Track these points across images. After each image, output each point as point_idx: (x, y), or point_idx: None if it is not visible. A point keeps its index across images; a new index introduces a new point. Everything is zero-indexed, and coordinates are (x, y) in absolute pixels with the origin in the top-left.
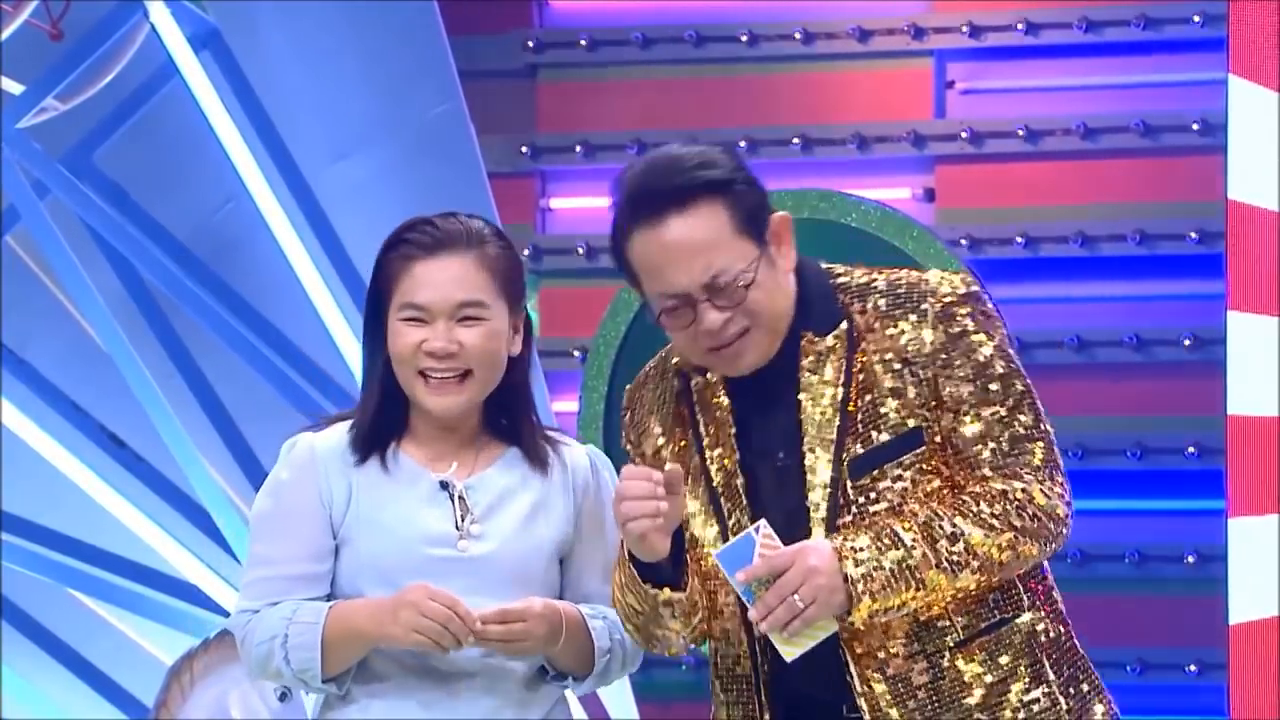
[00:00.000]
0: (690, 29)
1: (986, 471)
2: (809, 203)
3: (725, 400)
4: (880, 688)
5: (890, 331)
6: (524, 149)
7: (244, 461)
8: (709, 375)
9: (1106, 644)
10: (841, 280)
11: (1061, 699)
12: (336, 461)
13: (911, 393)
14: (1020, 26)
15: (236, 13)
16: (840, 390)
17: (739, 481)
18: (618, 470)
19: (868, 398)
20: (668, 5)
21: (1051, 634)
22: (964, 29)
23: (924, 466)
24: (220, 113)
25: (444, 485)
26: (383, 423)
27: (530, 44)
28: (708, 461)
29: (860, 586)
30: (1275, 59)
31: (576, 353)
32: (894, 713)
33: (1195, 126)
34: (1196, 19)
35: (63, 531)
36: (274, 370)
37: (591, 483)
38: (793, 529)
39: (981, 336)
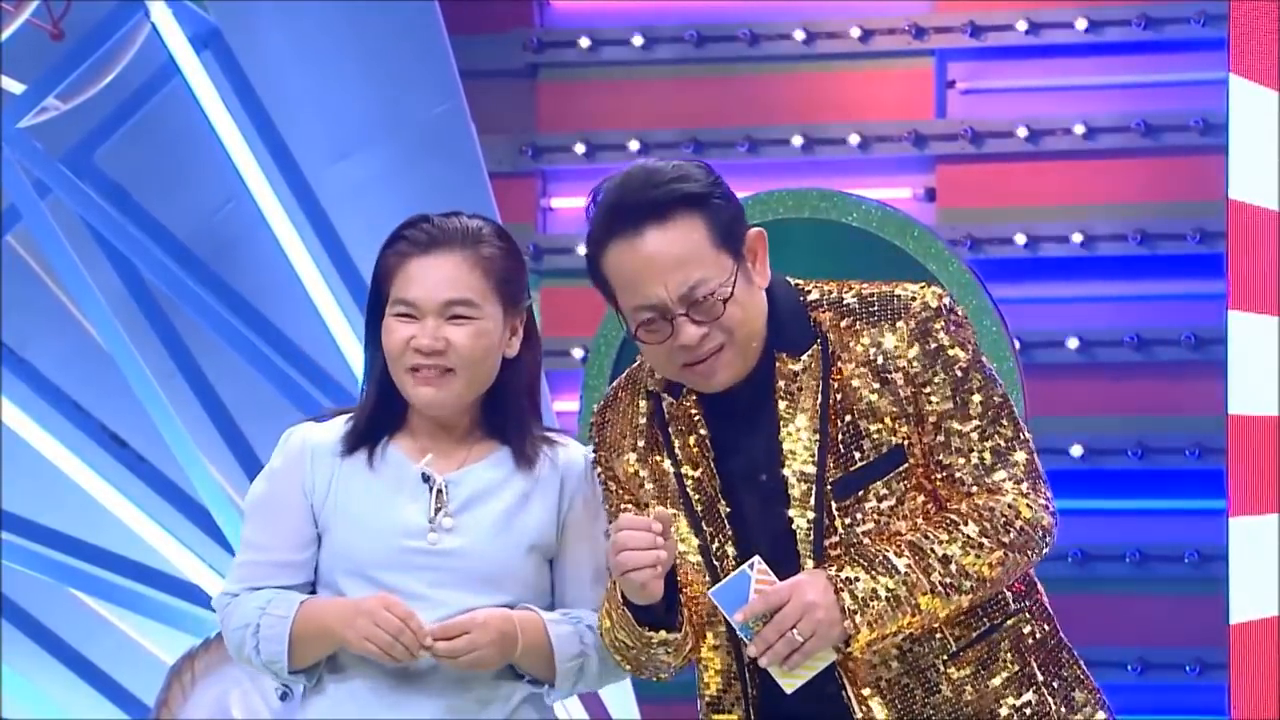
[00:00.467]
0: (691, 29)
1: (970, 486)
2: (810, 202)
3: (701, 421)
4: (878, 705)
5: (865, 344)
6: (525, 149)
7: (245, 461)
8: (682, 396)
9: (1107, 643)
10: (813, 298)
11: (1050, 700)
12: (324, 453)
13: (893, 410)
14: (1021, 26)
15: (237, 13)
16: (818, 412)
17: (721, 506)
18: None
19: (847, 418)
20: (669, 5)
21: (1038, 635)
22: (965, 29)
23: (907, 483)
24: (221, 112)
25: (425, 478)
26: (379, 417)
27: (531, 44)
28: (685, 483)
29: (859, 618)
30: (1276, 58)
31: (577, 352)
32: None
33: (1196, 126)
34: (1197, 19)
35: (64, 531)
36: (275, 370)
37: (585, 485)
38: (778, 551)
39: (957, 350)
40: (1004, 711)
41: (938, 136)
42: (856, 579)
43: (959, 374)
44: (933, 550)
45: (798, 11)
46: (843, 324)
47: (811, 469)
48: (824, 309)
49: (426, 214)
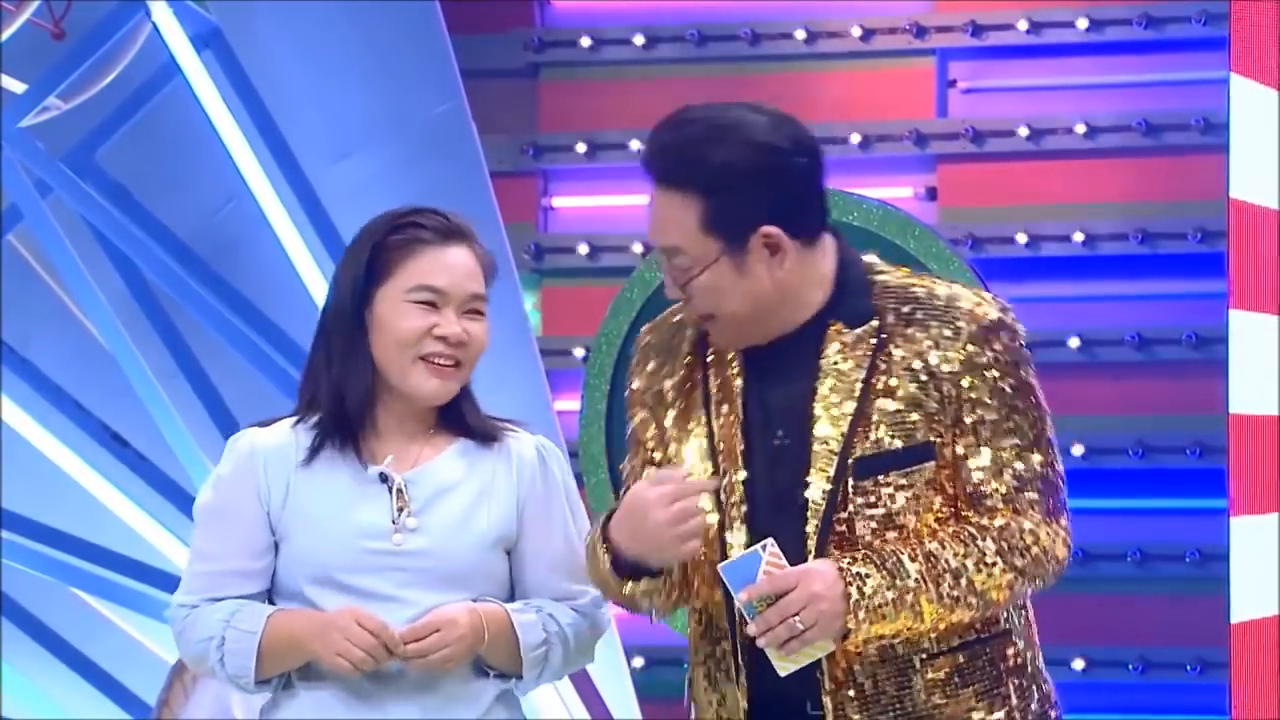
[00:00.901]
0: (692, 28)
1: (996, 503)
2: None
3: (737, 360)
4: (849, 692)
5: (922, 340)
6: (526, 148)
7: None
8: None
9: (1108, 643)
10: (881, 278)
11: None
12: (277, 457)
13: (933, 407)
14: (1022, 26)
15: (238, 12)
16: (860, 386)
17: (740, 448)
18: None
19: (886, 401)
20: (670, 5)
21: (1020, 659)
22: (966, 28)
23: (927, 481)
24: (222, 112)
25: (383, 478)
26: (345, 416)
27: (532, 43)
28: (712, 417)
29: (861, 615)
30: (1277, 58)
31: (578, 352)
32: (857, 718)
33: (1197, 126)
34: (1198, 18)
35: (65, 530)
36: (276, 369)
37: (538, 475)
38: (781, 512)
39: (1008, 367)
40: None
41: (939, 136)
42: (867, 576)
43: (1006, 390)
44: (946, 561)
45: (799, 11)
46: (904, 310)
47: (838, 439)
48: (891, 292)
49: (421, 206)
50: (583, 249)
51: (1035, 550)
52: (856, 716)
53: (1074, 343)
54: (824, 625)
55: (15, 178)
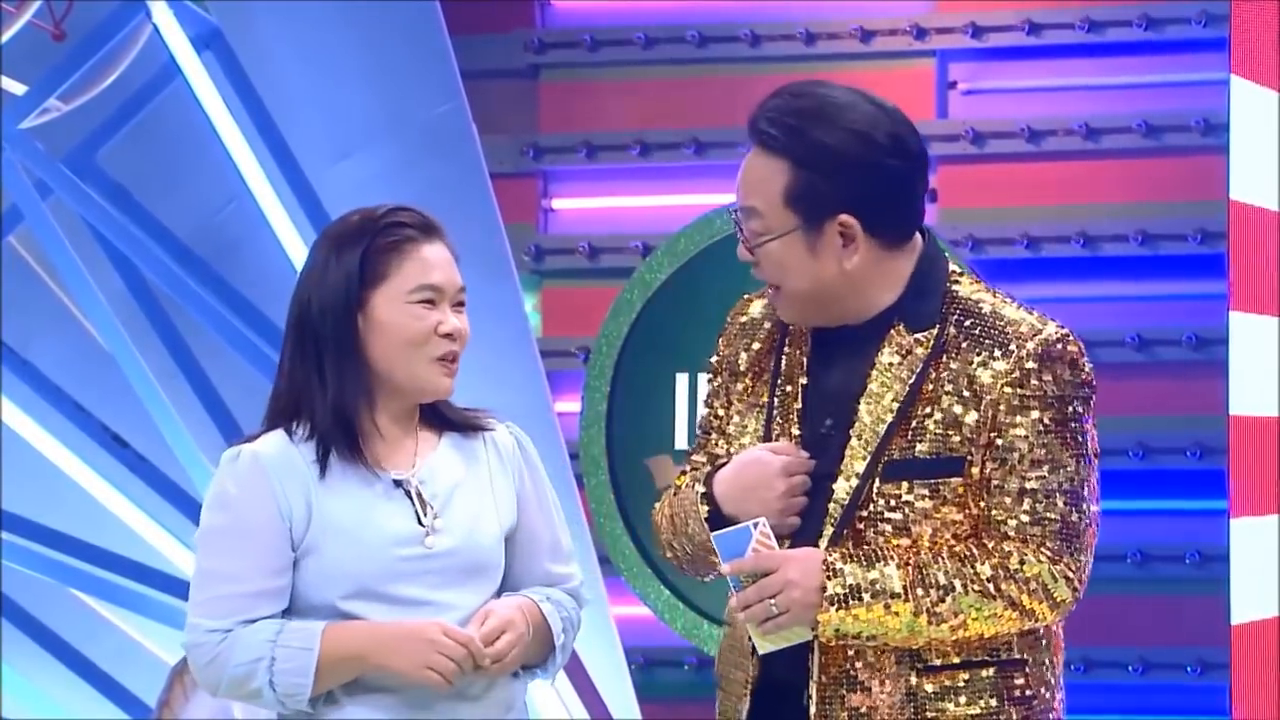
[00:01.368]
0: (693, 29)
1: (1007, 531)
2: None
3: (807, 340)
4: (839, 689)
5: (975, 359)
6: (526, 149)
7: None
8: None
9: (1108, 644)
10: (955, 288)
11: None
12: (287, 473)
13: (971, 424)
14: (1022, 27)
15: (238, 13)
16: (907, 391)
17: (795, 430)
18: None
19: (928, 409)
20: (670, 5)
21: (1028, 691)
22: (966, 29)
23: (950, 496)
24: (222, 113)
25: (398, 483)
26: (358, 418)
27: (532, 44)
28: (774, 394)
29: (834, 609)
30: (1277, 59)
31: (578, 352)
32: (844, 715)
33: (1197, 127)
34: (1198, 19)
35: (65, 531)
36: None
37: (523, 463)
38: (811, 499)
39: (1056, 402)
40: None
41: (939, 137)
42: (848, 573)
43: (1047, 421)
44: (935, 577)
45: (799, 12)
46: (966, 324)
47: (874, 439)
48: (958, 303)
49: (389, 205)
50: (583, 250)
51: (1034, 584)
52: (844, 715)
53: None
54: (796, 613)
55: (16, 179)
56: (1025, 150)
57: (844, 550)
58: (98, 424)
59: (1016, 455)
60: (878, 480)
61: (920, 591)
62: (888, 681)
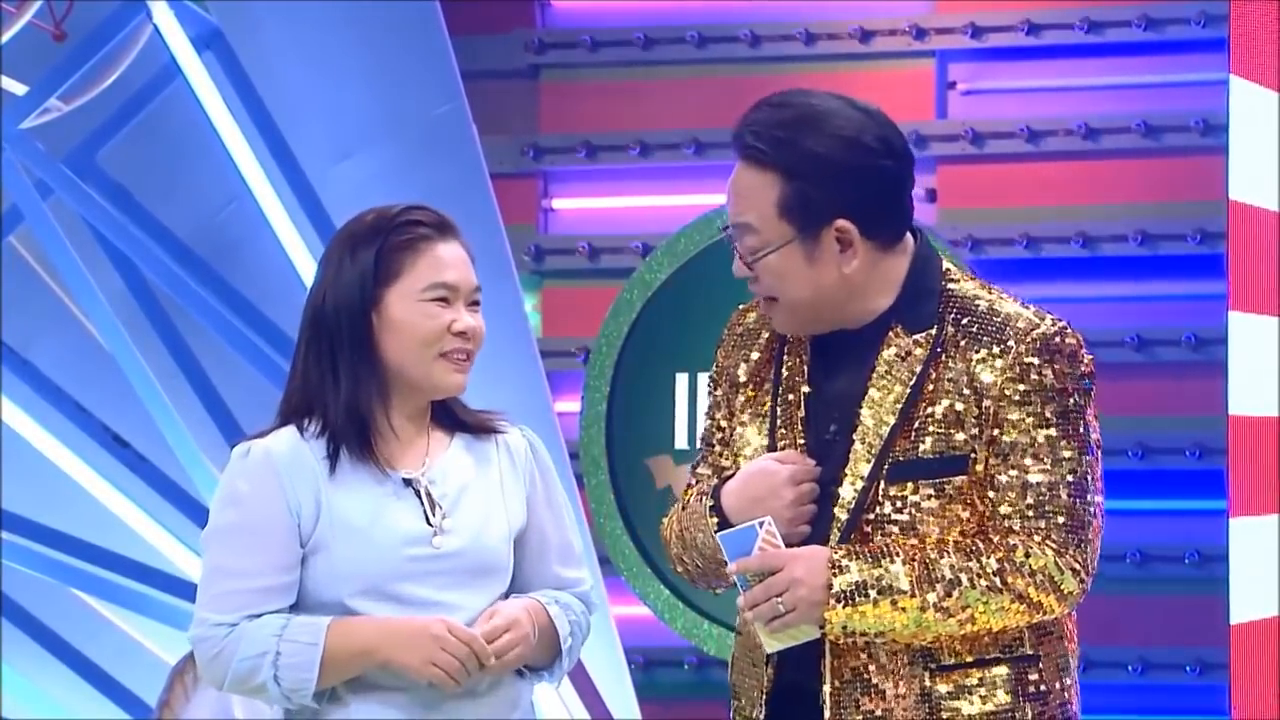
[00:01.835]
0: (692, 30)
1: (1012, 524)
2: None
3: (807, 349)
4: (853, 692)
5: (974, 356)
6: (526, 149)
7: None
8: None
9: (1108, 644)
10: (951, 287)
11: None
12: (296, 469)
13: (972, 422)
14: (1022, 27)
15: (239, 13)
16: (908, 393)
17: (800, 439)
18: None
19: (930, 409)
20: (670, 6)
21: (1043, 687)
22: (965, 30)
23: (957, 494)
24: (223, 113)
25: (408, 482)
26: (371, 416)
27: (533, 44)
28: (777, 404)
29: (840, 606)
30: (1276, 59)
31: (578, 352)
32: (859, 719)
33: (1196, 127)
34: (1197, 19)
35: (65, 531)
36: (277, 370)
37: (535, 465)
38: (820, 504)
39: (1056, 394)
40: None
41: (938, 137)
42: (851, 568)
43: (1048, 414)
44: (941, 571)
45: (799, 12)
46: (964, 322)
47: (878, 442)
48: (954, 302)
49: (405, 204)
50: (583, 250)
51: (1040, 576)
52: (858, 718)
53: None
54: (803, 611)
55: (16, 179)
56: (1025, 150)
57: (850, 548)
58: (98, 424)
59: (1019, 449)
60: (883, 482)
61: (926, 587)
62: (901, 683)
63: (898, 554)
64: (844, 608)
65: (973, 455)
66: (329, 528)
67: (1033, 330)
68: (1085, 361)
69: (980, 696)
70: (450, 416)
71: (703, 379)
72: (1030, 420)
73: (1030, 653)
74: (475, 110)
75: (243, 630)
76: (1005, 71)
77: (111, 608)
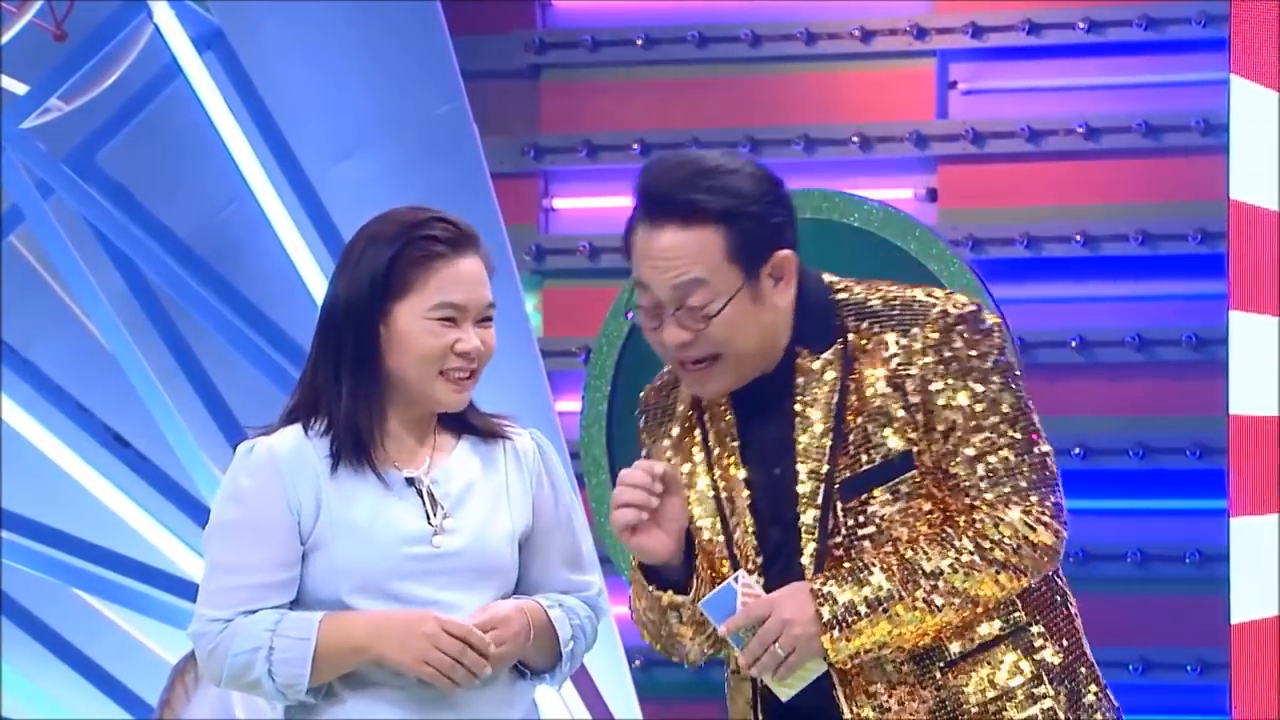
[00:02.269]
0: (693, 29)
1: (974, 499)
2: (811, 203)
3: (728, 408)
4: (869, 709)
5: (883, 353)
6: (527, 149)
7: None
8: None
9: (1108, 644)
10: (841, 296)
11: (1062, 714)
12: (298, 467)
13: (901, 415)
14: (1022, 27)
15: (240, 13)
16: (833, 411)
17: (743, 494)
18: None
19: (860, 419)
20: (671, 6)
21: (1051, 649)
22: (966, 29)
23: (914, 490)
24: (223, 113)
25: (410, 481)
26: (369, 425)
27: (533, 44)
28: (714, 471)
29: (836, 632)
30: (1276, 59)
31: (578, 352)
32: None
33: (1197, 127)
34: (1198, 19)
35: (66, 530)
36: (277, 369)
37: (543, 469)
38: (789, 544)
39: (974, 360)
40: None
41: (939, 137)
42: (835, 593)
43: (972, 384)
44: (920, 567)
45: (799, 12)
46: (864, 326)
47: (822, 467)
48: (849, 309)
49: (429, 210)
50: (583, 250)
51: (1015, 541)
52: None
53: (1074, 344)
54: (803, 648)
55: (17, 179)
56: (1025, 150)
57: (827, 574)
58: (99, 423)
59: (957, 428)
60: (839, 503)
61: (912, 587)
62: (913, 690)
63: (874, 565)
64: (840, 632)
65: (915, 448)
66: (329, 525)
67: (932, 309)
68: (987, 322)
69: (993, 678)
70: (458, 419)
71: None
72: (959, 395)
73: (1025, 620)
74: (476, 110)
75: (238, 625)
76: (1006, 71)
77: (112, 607)
